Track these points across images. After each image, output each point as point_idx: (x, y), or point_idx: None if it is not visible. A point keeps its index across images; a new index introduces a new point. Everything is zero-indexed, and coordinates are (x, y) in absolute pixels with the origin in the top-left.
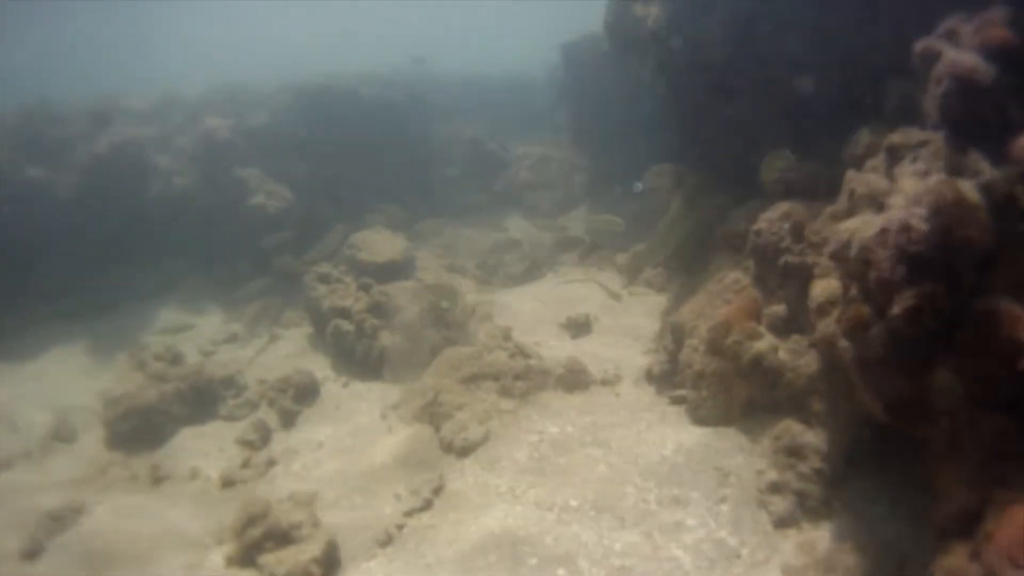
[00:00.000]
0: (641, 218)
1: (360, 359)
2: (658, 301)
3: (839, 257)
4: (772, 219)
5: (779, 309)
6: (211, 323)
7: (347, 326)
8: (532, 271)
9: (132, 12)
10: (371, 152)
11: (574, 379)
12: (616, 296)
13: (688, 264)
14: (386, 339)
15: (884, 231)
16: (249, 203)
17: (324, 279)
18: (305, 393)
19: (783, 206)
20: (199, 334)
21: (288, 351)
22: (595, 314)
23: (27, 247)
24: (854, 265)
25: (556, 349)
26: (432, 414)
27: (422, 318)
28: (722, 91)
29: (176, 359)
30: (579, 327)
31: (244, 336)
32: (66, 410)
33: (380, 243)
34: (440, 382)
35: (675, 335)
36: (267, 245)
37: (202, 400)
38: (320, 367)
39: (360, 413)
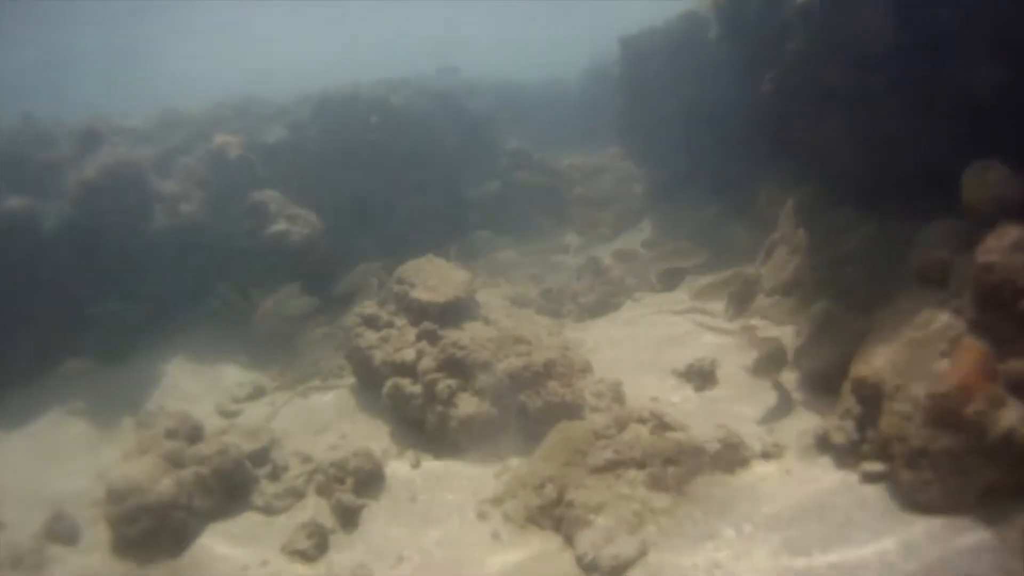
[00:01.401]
0: (716, 230)
1: (433, 431)
2: (782, 337)
3: None
4: (1003, 249)
5: (1020, 366)
6: (230, 374)
7: (412, 387)
8: (607, 300)
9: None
10: (404, 167)
11: (732, 455)
12: (728, 332)
13: (837, 295)
14: (468, 406)
15: None
16: (269, 231)
17: (371, 323)
18: (368, 480)
19: (1012, 232)
20: (215, 386)
21: (326, 411)
22: (711, 357)
23: (7, 289)
24: None
25: (685, 409)
26: (558, 518)
27: (513, 377)
28: (876, 84)
29: (194, 434)
30: (702, 376)
31: (271, 391)
32: (64, 498)
33: (435, 275)
34: (562, 472)
35: (863, 394)
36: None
37: (230, 487)
38: (374, 434)
39: (446, 509)
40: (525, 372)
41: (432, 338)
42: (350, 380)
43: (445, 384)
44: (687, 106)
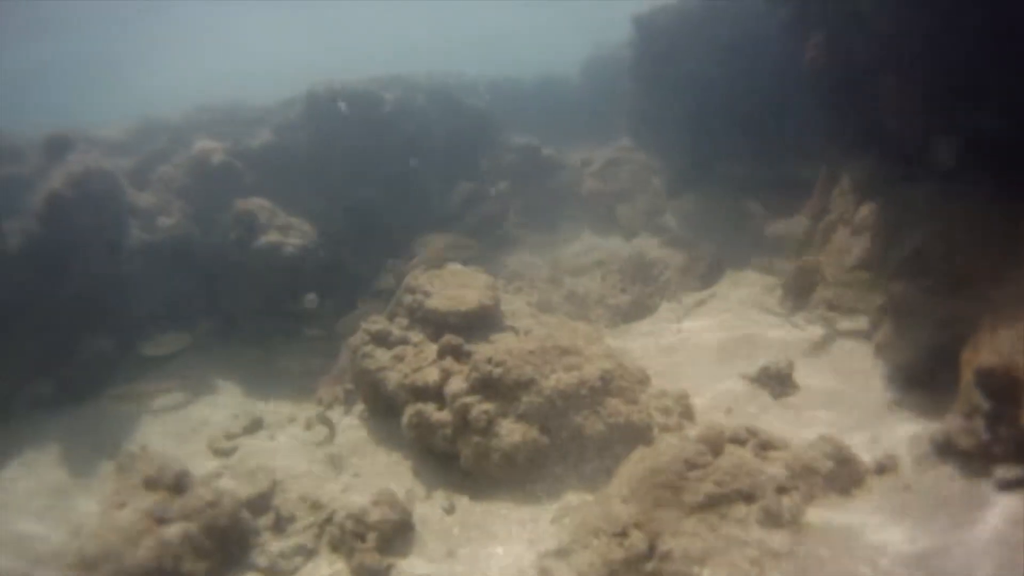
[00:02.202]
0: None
1: (469, 466)
2: (855, 330)
3: None
4: None
5: None
6: (223, 405)
7: (438, 414)
8: (642, 302)
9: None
10: (402, 168)
11: (846, 473)
12: (796, 326)
13: (915, 278)
14: (511, 434)
15: None
16: (259, 243)
17: (381, 339)
18: (395, 534)
19: None
20: (207, 421)
21: (334, 445)
22: (784, 357)
23: None
24: None
25: (767, 421)
26: (651, 574)
27: (565, 395)
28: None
29: (180, 481)
30: (779, 380)
31: (271, 423)
32: (36, 558)
33: (453, 282)
34: (650, 514)
35: (992, 387)
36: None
37: (226, 545)
38: (394, 472)
39: (497, 567)
40: (580, 389)
41: (458, 354)
42: (359, 407)
43: (481, 409)
44: (712, 84)
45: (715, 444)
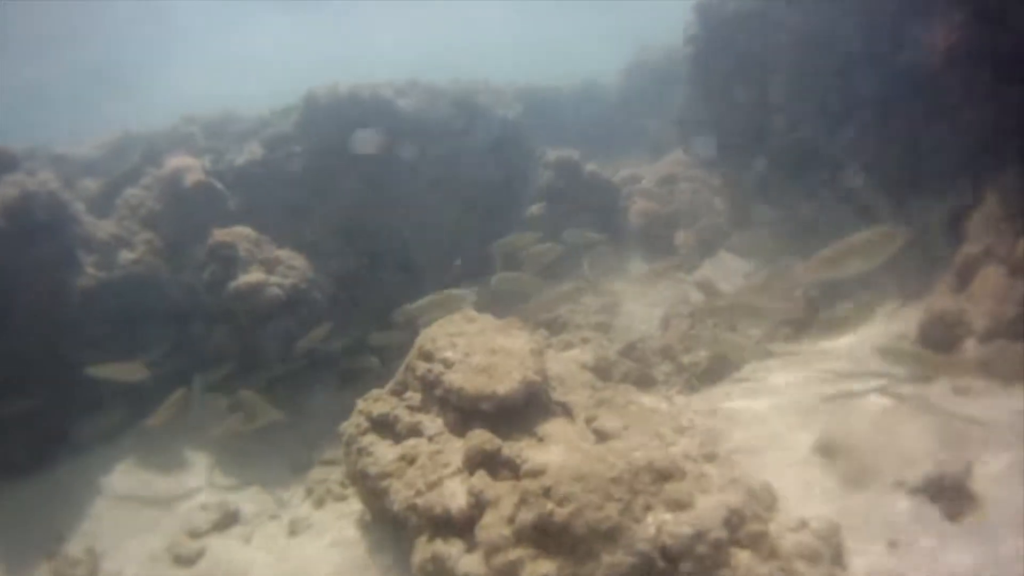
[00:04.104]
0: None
1: None
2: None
3: None
4: None
5: None
6: (192, 486)
7: (466, 563)
8: (723, 357)
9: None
10: (416, 189)
11: None
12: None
13: None
14: None
15: None
16: (237, 283)
17: (385, 426)
18: None
19: None
20: (172, 508)
21: (322, 565)
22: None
23: None
24: None
25: (950, 564)
26: None
27: (672, 556)
28: None
29: None
30: (955, 493)
31: (249, 515)
32: None
33: (481, 344)
34: None
35: None
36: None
37: None
38: None
39: None
40: (695, 544)
41: (493, 466)
42: (354, 506)
43: (536, 574)
44: (802, 79)
45: None
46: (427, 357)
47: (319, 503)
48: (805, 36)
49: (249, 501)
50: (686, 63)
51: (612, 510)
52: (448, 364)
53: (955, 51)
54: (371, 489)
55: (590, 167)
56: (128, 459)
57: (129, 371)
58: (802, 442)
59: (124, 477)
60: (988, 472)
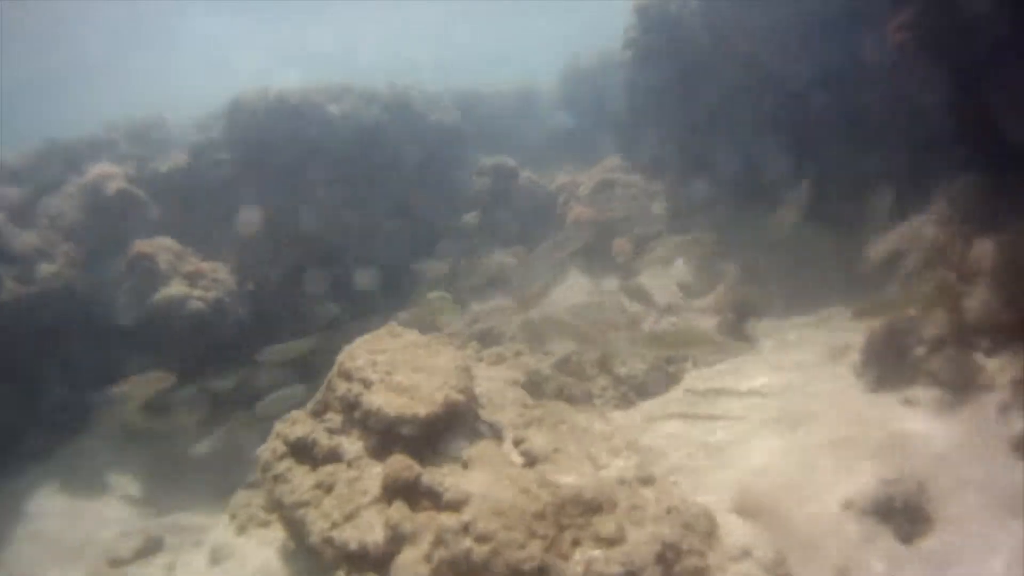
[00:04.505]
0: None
1: None
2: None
3: None
4: None
5: None
6: (114, 516)
7: None
8: (662, 368)
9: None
10: (349, 197)
11: None
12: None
13: None
14: None
15: None
16: (159, 296)
17: (303, 450)
18: None
19: None
20: (93, 535)
21: None
22: (909, 472)
23: None
24: None
25: None
26: None
27: None
28: None
29: None
30: (908, 513)
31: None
32: None
33: (405, 361)
34: None
35: None
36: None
37: None
38: None
39: None
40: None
41: (413, 496)
42: (278, 533)
43: None
44: (750, 83)
45: None
46: (347, 376)
47: (241, 529)
48: (749, 35)
49: (172, 528)
50: (625, 67)
51: (535, 548)
52: (367, 384)
53: (903, 49)
54: (288, 519)
55: (526, 173)
56: (52, 483)
57: (156, 382)
58: (734, 458)
59: (47, 502)
60: (938, 487)
